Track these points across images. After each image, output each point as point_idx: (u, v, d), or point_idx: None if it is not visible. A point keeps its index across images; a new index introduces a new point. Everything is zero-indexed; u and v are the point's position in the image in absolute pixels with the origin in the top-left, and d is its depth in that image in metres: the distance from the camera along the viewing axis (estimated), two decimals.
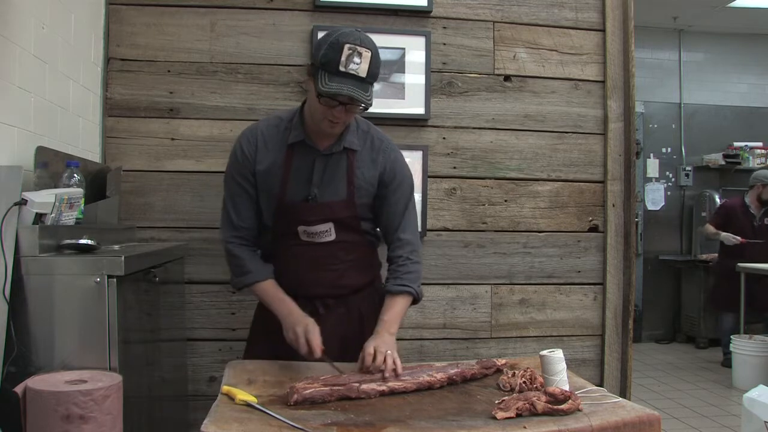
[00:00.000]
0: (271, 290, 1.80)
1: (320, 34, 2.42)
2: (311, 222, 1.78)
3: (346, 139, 1.77)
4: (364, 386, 1.50)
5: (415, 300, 1.81)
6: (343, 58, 1.57)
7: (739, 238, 5.33)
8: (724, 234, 5.41)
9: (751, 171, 6.21)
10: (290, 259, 1.83)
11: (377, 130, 1.86)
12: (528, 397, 1.35)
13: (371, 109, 1.70)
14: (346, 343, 1.79)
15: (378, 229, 1.90)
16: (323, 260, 1.82)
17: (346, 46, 1.58)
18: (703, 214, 6.45)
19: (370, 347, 1.61)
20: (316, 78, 1.61)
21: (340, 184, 1.78)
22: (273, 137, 1.78)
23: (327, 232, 1.79)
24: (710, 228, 5.57)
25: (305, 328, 1.67)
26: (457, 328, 2.56)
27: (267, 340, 1.84)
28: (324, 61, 1.60)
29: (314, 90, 1.63)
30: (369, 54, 1.60)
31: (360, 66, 1.58)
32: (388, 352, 1.59)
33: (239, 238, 1.82)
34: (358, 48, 1.59)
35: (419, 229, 2.08)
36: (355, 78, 1.59)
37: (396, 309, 1.75)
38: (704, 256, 6.14)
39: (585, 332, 2.65)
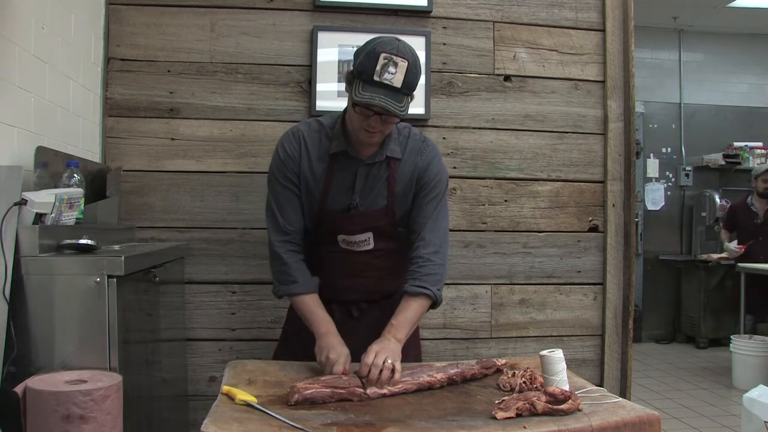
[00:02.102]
0: (312, 305, 1.75)
1: (320, 34, 2.44)
2: (351, 231, 1.77)
3: (389, 148, 1.75)
4: (368, 390, 1.49)
5: (434, 303, 1.74)
6: (378, 68, 1.55)
7: (738, 247, 5.42)
8: (726, 244, 5.46)
9: (751, 171, 6.23)
10: (327, 265, 1.83)
11: (416, 134, 1.83)
12: (528, 397, 1.35)
13: None
14: None
15: None
16: (360, 268, 1.82)
17: (382, 55, 1.56)
18: (703, 214, 6.46)
19: (369, 356, 1.54)
20: (352, 87, 1.60)
21: (380, 193, 1.76)
22: (315, 144, 1.76)
23: (366, 242, 1.79)
24: (723, 234, 5.66)
25: (338, 359, 1.61)
26: (457, 328, 2.55)
27: (300, 344, 1.84)
28: (360, 69, 1.58)
29: (351, 99, 1.63)
30: (405, 64, 1.57)
31: (395, 76, 1.55)
32: (387, 362, 1.52)
33: (287, 243, 1.78)
34: (394, 57, 1.56)
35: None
36: (388, 88, 1.56)
37: (408, 313, 1.68)
38: (704, 256, 6.14)
39: (585, 332, 2.64)
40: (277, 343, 2.04)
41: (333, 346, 1.65)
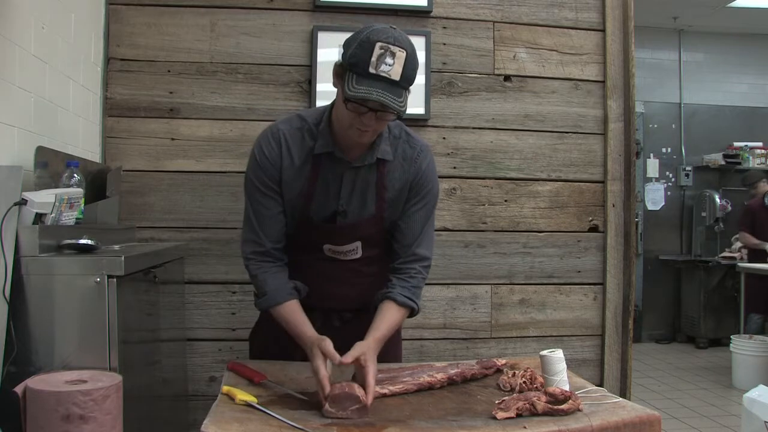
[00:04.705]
0: (287, 314, 1.60)
1: (320, 34, 2.44)
2: (339, 243, 1.66)
3: (380, 149, 1.59)
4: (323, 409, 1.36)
5: (412, 314, 1.68)
6: (373, 59, 1.38)
7: None
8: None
9: (748, 171, 6.21)
10: (311, 272, 1.71)
11: (409, 135, 1.68)
12: (528, 397, 1.35)
13: None
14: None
15: None
16: (346, 276, 1.72)
17: (378, 44, 1.39)
18: (703, 214, 6.46)
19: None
20: (344, 80, 1.43)
21: (369, 198, 1.63)
22: (296, 143, 1.59)
23: (354, 251, 1.68)
24: (750, 238, 5.55)
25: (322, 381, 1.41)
26: (457, 328, 2.56)
27: (272, 343, 1.77)
28: (353, 61, 1.41)
29: (341, 94, 1.46)
30: (404, 54, 1.40)
31: (393, 68, 1.39)
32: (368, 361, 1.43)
33: (259, 255, 1.63)
34: (392, 47, 1.39)
35: None
36: (386, 81, 1.39)
37: (392, 321, 1.60)
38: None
39: (585, 332, 2.65)
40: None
41: (316, 360, 1.46)
